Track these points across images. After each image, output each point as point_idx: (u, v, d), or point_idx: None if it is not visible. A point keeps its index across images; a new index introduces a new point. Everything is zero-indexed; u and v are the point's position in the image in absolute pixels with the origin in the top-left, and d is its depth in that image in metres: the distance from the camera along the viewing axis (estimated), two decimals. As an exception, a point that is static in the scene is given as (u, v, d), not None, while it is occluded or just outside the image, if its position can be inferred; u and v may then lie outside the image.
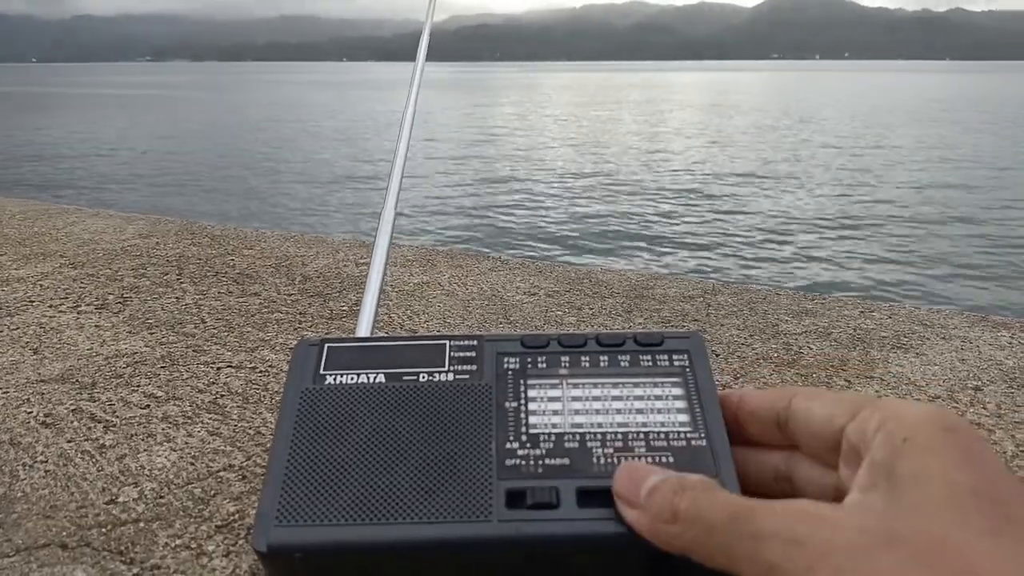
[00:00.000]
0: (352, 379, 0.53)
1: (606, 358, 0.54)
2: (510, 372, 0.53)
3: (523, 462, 0.47)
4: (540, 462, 0.47)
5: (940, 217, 6.62)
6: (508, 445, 0.48)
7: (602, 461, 0.47)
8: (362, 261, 1.37)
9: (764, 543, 0.33)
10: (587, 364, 0.53)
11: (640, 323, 1.04)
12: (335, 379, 0.54)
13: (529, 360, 0.54)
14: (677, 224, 6.47)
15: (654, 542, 0.42)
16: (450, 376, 0.53)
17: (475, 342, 0.56)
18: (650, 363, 0.53)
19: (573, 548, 0.44)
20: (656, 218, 6.68)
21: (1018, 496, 0.30)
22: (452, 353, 0.55)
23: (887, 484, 0.32)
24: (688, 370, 0.52)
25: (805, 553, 0.31)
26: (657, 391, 0.50)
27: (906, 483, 0.31)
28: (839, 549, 0.31)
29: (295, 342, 0.95)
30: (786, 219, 6.63)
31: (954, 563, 0.28)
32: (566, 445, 0.48)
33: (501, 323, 1.03)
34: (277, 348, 0.93)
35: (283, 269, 1.31)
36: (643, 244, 5.85)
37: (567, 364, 0.54)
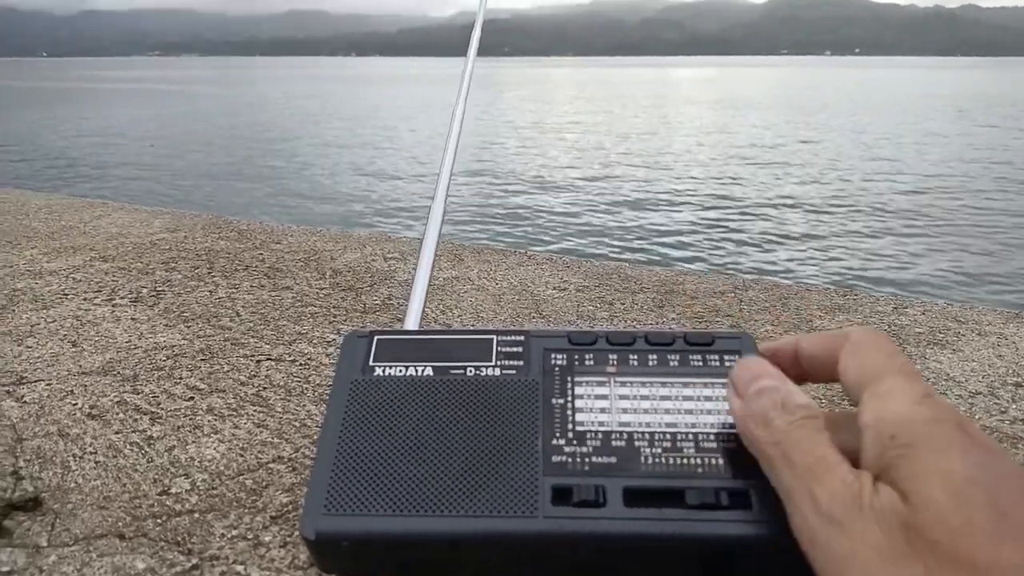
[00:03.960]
0: (400, 371, 0.54)
1: (655, 357, 0.54)
2: (557, 368, 0.53)
3: (569, 459, 0.47)
4: (587, 460, 0.47)
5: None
6: (555, 441, 0.48)
7: (650, 461, 0.47)
8: (390, 256, 1.37)
9: (815, 513, 0.34)
10: (635, 363, 0.53)
11: (673, 318, 1.04)
12: (384, 371, 0.54)
13: (576, 357, 0.54)
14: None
15: (740, 433, 0.42)
16: (497, 371, 0.54)
17: (522, 337, 0.56)
18: (700, 363, 0.52)
19: (619, 547, 0.44)
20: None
21: (1008, 481, 0.31)
22: (499, 348, 0.55)
23: (893, 482, 0.33)
24: None
25: (841, 542, 0.33)
26: (707, 391, 0.50)
27: (910, 483, 0.32)
28: (866, 552, 0.32)
29: (332, 336, 0.95)
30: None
31: None
32: (613, 443, 0.48)
33: (533, 317, 1.03)
34: (315, 342, 0.93)
35: (312, 264, 1.31)
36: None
37: (615, 362, 0.53)
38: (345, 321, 1.01)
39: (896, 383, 0.38)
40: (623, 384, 0.54)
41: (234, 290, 1.15)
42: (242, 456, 0.66)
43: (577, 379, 0.54)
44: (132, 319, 1.03)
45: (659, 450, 0.49)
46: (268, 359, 0.88)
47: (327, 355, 0.88)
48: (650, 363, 0.55)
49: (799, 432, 0.38)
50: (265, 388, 0.80)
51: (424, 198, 7.28)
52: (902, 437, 0.33)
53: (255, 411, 0.75)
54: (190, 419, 0.73)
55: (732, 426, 0.50)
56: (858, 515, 0.33)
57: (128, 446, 0.68)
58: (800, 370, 0.45)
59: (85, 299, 1.11)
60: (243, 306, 1.08)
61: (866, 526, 0.33)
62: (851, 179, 8.22)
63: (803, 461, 0.37)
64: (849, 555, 0.33)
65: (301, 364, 0.86)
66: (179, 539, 0.54)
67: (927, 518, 0.32)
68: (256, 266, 1.29)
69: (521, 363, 0.56)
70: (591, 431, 0.50)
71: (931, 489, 0.32)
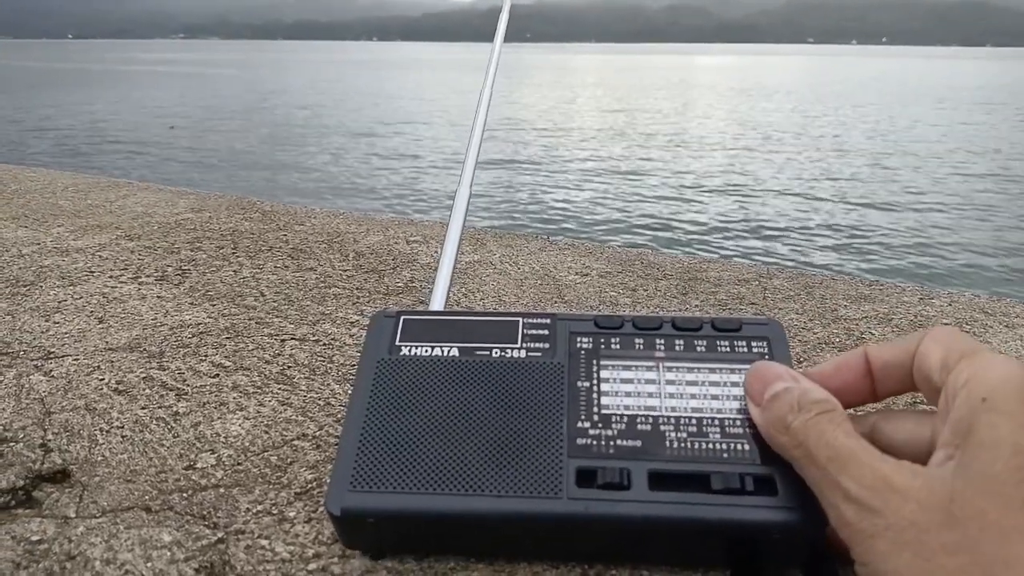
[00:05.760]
0: (427, 351, 0.54)
1: (682, 342, 0.53)
2: (583, 352, 0.53)
3: (594, 442, 0.47)
4: (612, 443, 0.47)
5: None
6: (580, 424, 0.48)
7: (675, 445, 0.46)
8: (412, 239, 1.38)
9: (846, 502, 0.34)
10: (662, 347, 0.53)
11: (696, 305, 1.03)
12: (410, 350, 0.54)
13: (602, 340, 0.54)
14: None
15: (768, 442, 0.42)
16: (523, 353, 0.53)
17: (548, 320, 0.56)
18: (728, 349, 0.52)
19: (643, 530, 0.44)
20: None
21: None
22: (525, 330, 0.55)
23: (962, 447, 0.32)
24: (767, 357, 0.51)
25: (874, 522, 0.33)
26: (735, 377, 0.50)
27: (977, 449, 0.32)
28: (900, 525, 0.32)
29: (355, 316, 0.96)
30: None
31: (998, 551, 0.28)
32: (638, 427, 0.48)
33: (556, 302, 1.03)
34: (338, 322, 0.94)
35: (335, 245, 1.32)
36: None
37: (641, 346, 0.53)
38: (368, 302, 1.02)
39: (996, 357, 0.37)
40: (649, 368, 0.53)
41: (258, 270, 1.16)
42: (267, 433, 0.66)
43: (603, 362, 0.54)
44: (158, 297, 1.03)
45: (684, 435, 0.49)
46: (292, 338, 0.88)
47: (351, 335, 0.89)
48: (677, 348, 0.54)
49: (816, 427, 0.38)
50: (289, 367, 0.80)
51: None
52: (993, 401, 0.33)
53: (279, 389, 0.75)
54: (215, 396, 0.74)
55: None
56: (891, 495, 0.32)
57: (154, 421, 0.69)
58: (869, 382, 0.44)
59: (111, 277, 1.12)
60: (267, 286, 1.08)
61: (902, 503, 0.32)
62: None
63: (824, 454, 0.37)
64: (882, 530, 0.33)
65: (325, 344, 0.87)
66: (205, 513, 0.55)
67: (982, 486, 0.31)
68: (280, 247, 1.30)
69: (547, 346, 0.56)
70: (616, 414, 0.50)
71: (996, 459, 0.31)
